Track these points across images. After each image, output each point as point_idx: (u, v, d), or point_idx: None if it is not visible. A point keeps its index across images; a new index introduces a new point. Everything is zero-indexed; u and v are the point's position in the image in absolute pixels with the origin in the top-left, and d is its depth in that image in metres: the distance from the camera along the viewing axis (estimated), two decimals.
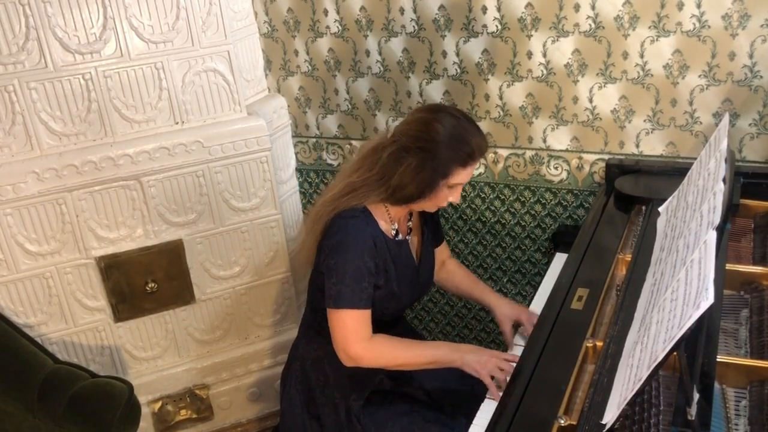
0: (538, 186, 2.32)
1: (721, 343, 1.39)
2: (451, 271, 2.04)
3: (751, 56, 1.88)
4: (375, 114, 2.49)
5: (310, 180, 2.76)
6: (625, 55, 2.02)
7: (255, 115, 2.42)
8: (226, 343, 2.62)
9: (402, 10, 2.27)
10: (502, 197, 2.40)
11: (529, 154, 2.29)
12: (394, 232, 1.75)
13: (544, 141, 2.25)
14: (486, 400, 1.57)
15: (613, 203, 2.00)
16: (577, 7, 2.02)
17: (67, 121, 2.19)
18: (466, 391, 1.81)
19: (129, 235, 2.35)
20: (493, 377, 1.59)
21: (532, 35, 2.11)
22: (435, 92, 2.34)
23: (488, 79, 2.24)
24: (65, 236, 2.27)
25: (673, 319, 1.06)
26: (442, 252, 2.01)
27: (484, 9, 2.15)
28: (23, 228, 2.21)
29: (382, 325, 1.74)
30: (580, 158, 2.22)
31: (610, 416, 1.14)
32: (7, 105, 2.11)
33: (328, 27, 2.42)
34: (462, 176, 1.63)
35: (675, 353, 1.05)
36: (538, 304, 1.86)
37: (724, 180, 1.33)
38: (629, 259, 1.69)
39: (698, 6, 1.88)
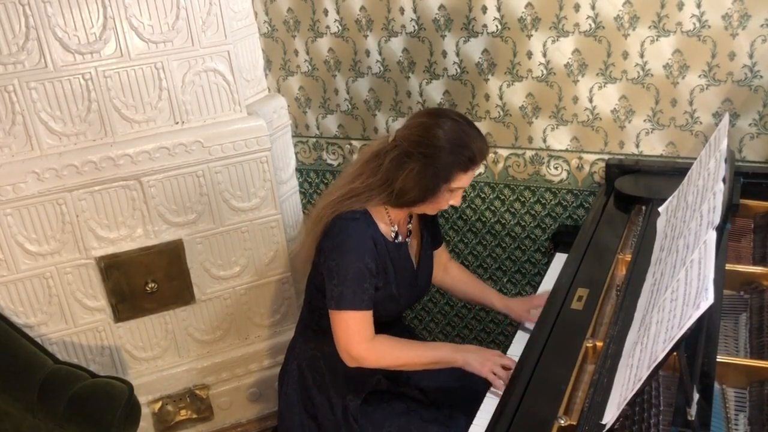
0: (538, 186, 2.32)
1: (721, 343, 1.39)
2: (456, 277, 2.04)
3: (751, 56, 1.88)
4: (375, 114, 2.49)
5: (310, 180, 2.76)
6: (625, 55, 2.02)
7: (255, 115, 2.42)
8: (226, 343, 2.62)
9: (402, 10, 2.27)
10: (502, 197, 2.40)
11: (529, 154, 2.29)
12: (393, 235, 1.75)
13: (544, 141, 2.25)
14: (486, 400, 1.57)
15: (613, 203, 2.00)
16: (577, 7, 2.02)
17: (67, 121, 2.19)
18: (463, 391, 1.81)
19: (129, 235, 2.35)
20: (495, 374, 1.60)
21: (532, 35, 2.11)
22: (435, 92, 2.34)
23: (488, 79, 2.24)
24: (65, 236, 2.27)
25: (673, 319, 1.06)
26: (441, 254, 2.01)
27: (484, 9, 2.15)
28: (23, 228, 2.21)
29: (379, 326, 1.74)
30: (580, 158, 2.22)
31: (610, 416, 1.14)
32: (7, 105, 2.11)
33: (328, 27, 2.42)
34: (464, 180, 1.64)
35: (675, 353, 1.05)
36: None
37: (724, 180, 1.33)
38: (629, 259, 1.69)
39: (698, 6, 1.88)
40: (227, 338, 2.62)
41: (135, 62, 2.21)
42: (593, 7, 2.00)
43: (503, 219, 2.43)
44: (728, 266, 1.56)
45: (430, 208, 1.70)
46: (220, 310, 2.56)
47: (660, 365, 1.03)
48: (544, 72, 2.15)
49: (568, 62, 2.10)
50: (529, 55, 2.14)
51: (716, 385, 1.28)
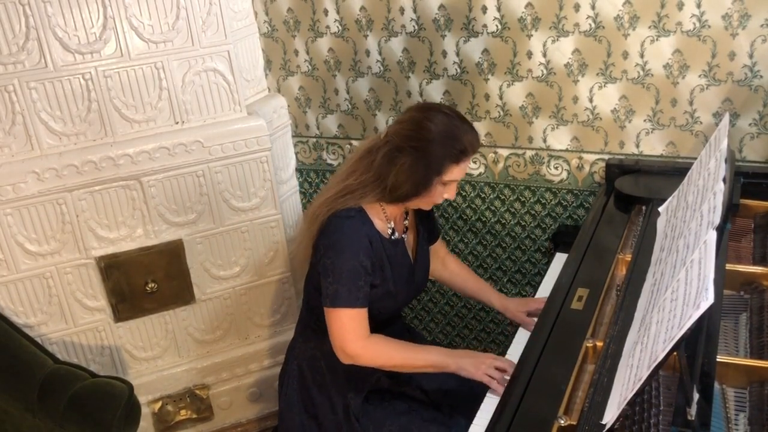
0: (538, 186, 2.32)
1: (721, 343, 1.39)
2: (454, 272, 2.05)
3: (751, 56, 1.88)
4: (375, 114, 2.49)
5: (310, 180, 2.76)
6: (625, 55, 2.02)
7: (255, 115, 2.42)
8: (226, 343, 2.62)
9: (402, 10, 2.27)
10: (502, 197, 2.40)
11: (529, 154, 2.29)
12: (390, 231, 1.75)
13: (544, 141, 2.25)
14: (486, 400, 1.57)
15: (613, 203, 2.00)
16: (577, 7, 2.02)
17: (67, 121, 2.19)
18: (464, 391, 1.81)
19: (129, 235, 2.35)
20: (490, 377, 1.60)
21: (532, 35, 2.11)
22: (435, 92, 2.34)
23: (488, 79, 2.24)
24: (65, 236, 2.27)
25: (673, 319, 1.06)
26: (439, 249, 2.02)
27: (484, 9, 2.15)
28: (23, 228, 2.21)
29: (378, 324, 1.74)
30: (580, 158, 2.22)
31: (610, 416, 1.14)
32: (7, 105, 2.11)
33: (328, 27, 2.42)
34: (456, 173, 1.64)
35: (675, 353, 1.05)
36: None
37: (724, 180, 1.33)
38: (629, 259, 1.69)
39: (698, 6, 1.88)
40: (227, 338, 2.62)
41: (135, 62, 2.21)
42: (593, 7, 2.00)
43: (503, 219, 2.43)
44: (728, 266, 1.56)
45: (424, 203, 1.70)
46: (220, 310, 2.56)
47: (660, 365, 1.03)
48: (544, 72, 2.15)
49: (568, 62, 2.10)
50: (529, 55, 2.14)
51: (716, 385, 1.28)
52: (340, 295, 1.61)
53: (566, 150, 2.23)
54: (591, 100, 2.12)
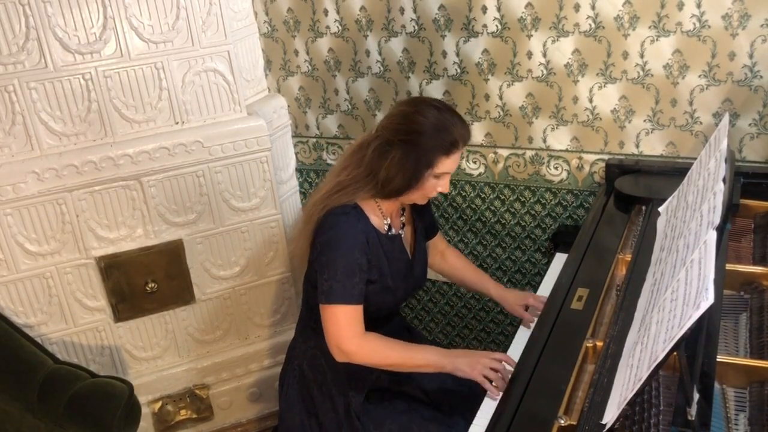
0: (538, 186, 2.32)
1: (721, 343, 1.39)
2: (452, 264, 2.06)
3: (751, 56, 1.88)
4: (375, 114, 2.49)
5: (310, 180, 2.76)
6: (625, 55, 2.02)
7: (255, 115, 2.42)
8: (226, 343, 2.62)
9: (402, 10, 2.27)
10: (502, 197, 2.40)
11: (529, 154, 2.29)
12: (386, 227, 1.75)
13: (544, 141, 2.25)
14: (486, 400, 1.57)
15: (613, 203, 2.00)
16: (577, 7, 2.02)
17: (67, 121, 2.19)
18: (463, 392, 1.82)
19: (129, 235, 2.35)
20: (486, 378, 1.60)
21: (532, 35, 2.11)
22: (435, 92, 2.34)
23: (488, 79, 2.24)
24: (65, 236, 2.27)
25: (673, 319, 1.06)
26: (439, 242, 2.02)
27: (484, 9, 2.15)
28: (23, 228, 2.21)
29: (377, 321, 1.74)
30: (580, 158, 2.22)
31: (610, 416, 1.14)
32: (7, 105, 2.11)
33: (328, 27, 2.42)
34: (447, 165, 1.64)
35: (675, 353, 1.05)
36: None
37: (724, 180, 1.33)
38: (629, 259, 1.69)
39: (698, 6, 1.88)
40: (227, 338, 2.62)
41: (135, 62, 2.21)
42: (593, 7, 2.00)
43: (503, 219, 2.43)
44: (728, 266, 1.56)
45: (417, 197, 1.70)
46: (220, 310, 2.56)
47: (660, 365, 1.03)
48: (544, 72, 2.15)
49: (568, 62, 2.10)
50: (529, 55, 2.14)
51: (716, 385, 1.28)
52: (335, 291, 1.61)
53: (566, 150, 2.23)
54: (591, 101, 2.12)
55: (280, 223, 2.55)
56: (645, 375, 1.04)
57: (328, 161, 2.68)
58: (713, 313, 1.35)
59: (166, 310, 2.47)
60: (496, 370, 1.59)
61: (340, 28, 2.40)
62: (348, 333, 1.63)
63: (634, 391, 1.06)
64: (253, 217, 2.50)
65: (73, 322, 2.37)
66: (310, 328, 1.86)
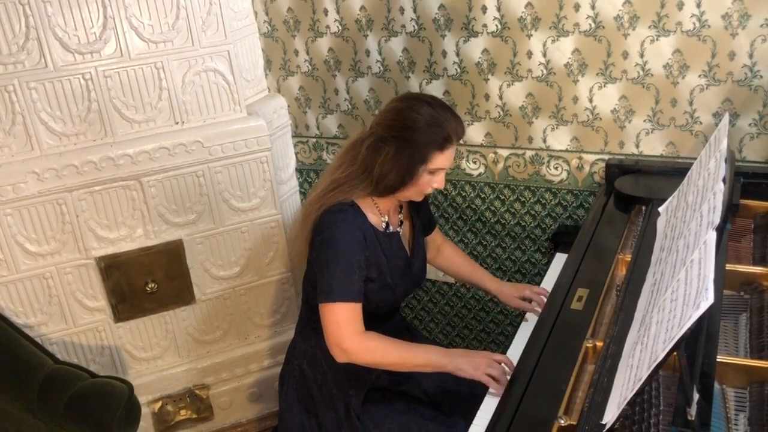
0: (538, 186, 2.32)
1: (721, 343, 1.39)
2: (449, 257, 2.06)
3: (751, 56, 1.88)
4: (375, 114, 2.49)
5: (310, 180, 2.76)
6: (625, 55, 2.02)
7: (255, 115, 2.42)
8: (226, 343, 2.62)
9: (402, 10, 2.27)
10: (502, 197, 2.40)
11: (529, 154, 2.29)
12: (384, 225, 1.75)
13: (544, 141, 2.25)
14: (486, 400, 1.57)
15: (613, 203, 2.00)
16: (577, 7, 2.02)
17: (67, 121, 2.19)
18: (463, 391, 1.81)
19: (129, 235, 2.35)
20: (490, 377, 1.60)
21: (532, 35, 2.11)
22: (435, 92, 2.34)
23: (488, 79, 2.24)
24: (65, 236, 2.27)
25: (673, 320, 1.06)
26: (436, 237, 2.03)
27: (484, 9, 2.15)
28: (23, 228, 2.21)
29: (377, 319, 1.74)
30: (580, 158, 2.22)
31: (610, 416, 1.14)
32: (7, 105, 2.11)
33: (328, 27, 2.42)
34: (441, 161, 1.64)
35: (675, 353, 1.05)
36: None
37: (724, 180, 1.33)
38: (629, 259, 1.69)
39: (698, 6, 1.88)
40: (227, 338, 2.62)
41: (135, 62, 2.21)
42: (593, 7, 2.00)
43: (503, 219, 2.43)
44: (728, 266, 1.56)
45: (412, 193, 1.70)
46: (220, 310, 2.56)
47: (660, 365, 1.03)
48: (544, 72, 2.15)
49: (568, 62, 2.10)
50: (529, 55, 2.14)
51: (716, 385, 1.28)
52: (334, 290, 1.61)
53: (566, 150, 2.23)
54: (591, 100, 2.12)
55: (280, 223, 2.55)
56: (645, 375, 1.04)
57: (328, 161, 2.68)
58: (713, 313, 1.35)
59: (166, 310, 2.47)
60: (498, 362, 1.60)
61: (340, 27, 2.40)
62: (348, 331, 1.62)
63: (634, 391, 1.06)
64: (253, 217, 2.50)
65: (73, 322, 2.37)
66: (310, 328, 1.85)
